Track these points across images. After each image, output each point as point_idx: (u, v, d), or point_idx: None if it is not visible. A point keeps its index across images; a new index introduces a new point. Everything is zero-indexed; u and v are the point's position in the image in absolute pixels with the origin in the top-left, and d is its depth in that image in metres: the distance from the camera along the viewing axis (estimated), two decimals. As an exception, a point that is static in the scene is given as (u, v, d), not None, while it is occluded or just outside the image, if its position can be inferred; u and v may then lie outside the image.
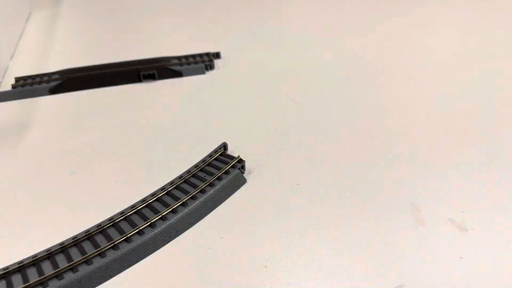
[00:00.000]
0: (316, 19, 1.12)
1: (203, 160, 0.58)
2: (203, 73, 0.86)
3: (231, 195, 0.53)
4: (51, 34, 1.08)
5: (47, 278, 0.42)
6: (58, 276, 0.42)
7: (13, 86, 0.81)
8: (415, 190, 0.52)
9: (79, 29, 1.14)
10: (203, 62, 0.88)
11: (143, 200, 0.51)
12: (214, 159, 0.58)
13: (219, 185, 0.53)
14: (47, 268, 0.43)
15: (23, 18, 1.14)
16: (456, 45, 0.93)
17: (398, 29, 1.03)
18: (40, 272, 0.42)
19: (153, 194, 0.52)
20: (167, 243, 0.47)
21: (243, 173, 0.56)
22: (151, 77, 0.84)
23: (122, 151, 0.63)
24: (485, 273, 0.41)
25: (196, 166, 0.57)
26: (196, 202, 0.50)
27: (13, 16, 1.05)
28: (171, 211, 0.49)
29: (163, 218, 0.48)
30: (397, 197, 0.51)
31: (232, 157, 0.57)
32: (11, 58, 0.95)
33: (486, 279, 0.40)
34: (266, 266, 0.43)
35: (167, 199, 0.51)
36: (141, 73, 0.83)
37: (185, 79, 0.84)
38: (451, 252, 0.43)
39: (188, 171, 0.56)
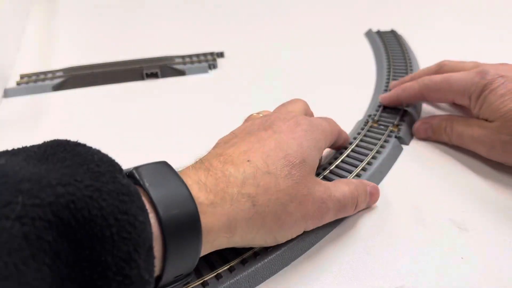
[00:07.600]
0: (319, 18, 1.12)
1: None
2: (206, 72, 0.86)
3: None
4: (53, 31, 1.09)
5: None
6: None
7: (18, 83, 0.81)
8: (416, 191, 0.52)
9: (81, 27, 1.14)
10: (207, 61, 0.88)
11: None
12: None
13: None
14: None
15: (25, 13, 1.15)
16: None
17: (398, 28, 1.03)
18: None
19: None
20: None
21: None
22: (154, 76, 0.84)
23: (124, 150, 0.63)
24: (486, 273, 0.41)
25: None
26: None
27: (15, 9, 1.05)
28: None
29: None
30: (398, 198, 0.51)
31: None
32: (17, 52, 0.96)
33: (487, 280, 0.40)
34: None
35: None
36: (144, 71, 0.83)
37: (188, 78, 0.84)
38: (452, 252, 0.43)
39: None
